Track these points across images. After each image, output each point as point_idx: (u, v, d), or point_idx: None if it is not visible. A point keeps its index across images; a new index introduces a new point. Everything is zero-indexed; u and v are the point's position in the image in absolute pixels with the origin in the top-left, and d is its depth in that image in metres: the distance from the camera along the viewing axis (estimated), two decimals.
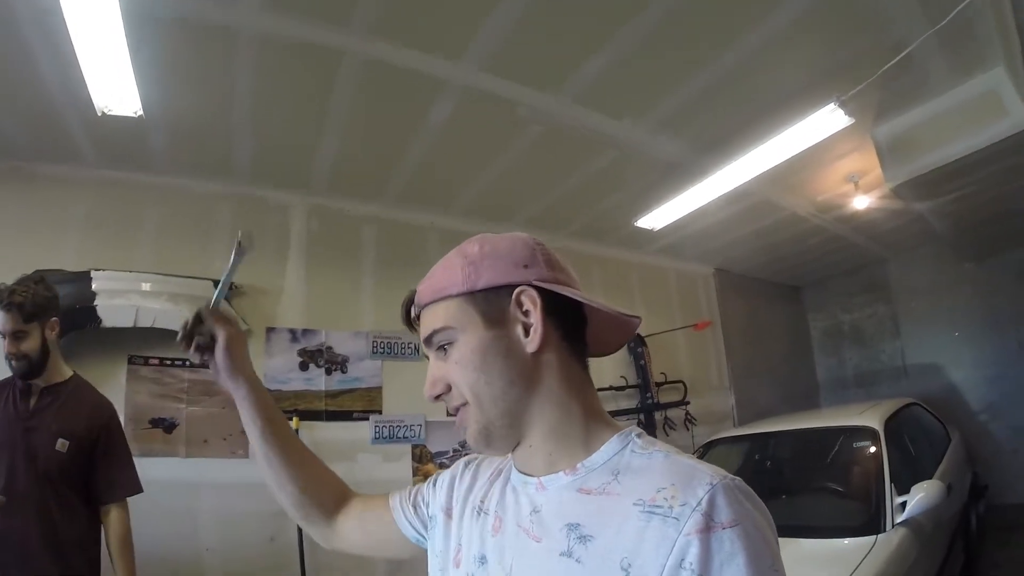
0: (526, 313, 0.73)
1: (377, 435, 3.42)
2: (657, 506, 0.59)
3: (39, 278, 2.01)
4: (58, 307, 2.04)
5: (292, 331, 3.30)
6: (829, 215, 4.63)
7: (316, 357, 3.32)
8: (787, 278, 6.79)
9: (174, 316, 2.87)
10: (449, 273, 0.76)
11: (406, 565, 3.28)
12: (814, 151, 3.27)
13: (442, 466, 3.49)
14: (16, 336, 1.90)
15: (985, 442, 5.31)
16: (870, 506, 2.62)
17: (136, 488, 2.10)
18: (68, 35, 2.08)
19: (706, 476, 0.60)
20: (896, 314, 6.31)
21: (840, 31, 2.43)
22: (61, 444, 1.92)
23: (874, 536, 2.42)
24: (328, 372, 3.34)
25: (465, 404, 0.74)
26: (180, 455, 2.93)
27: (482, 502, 0.84)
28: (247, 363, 1.00)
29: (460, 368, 0.73)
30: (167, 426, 2.93)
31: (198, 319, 0.98)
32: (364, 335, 3.50)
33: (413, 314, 0.81)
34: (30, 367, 1.93)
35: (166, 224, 3.11)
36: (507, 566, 0.72)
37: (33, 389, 1.97)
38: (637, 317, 0.79)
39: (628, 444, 0.70)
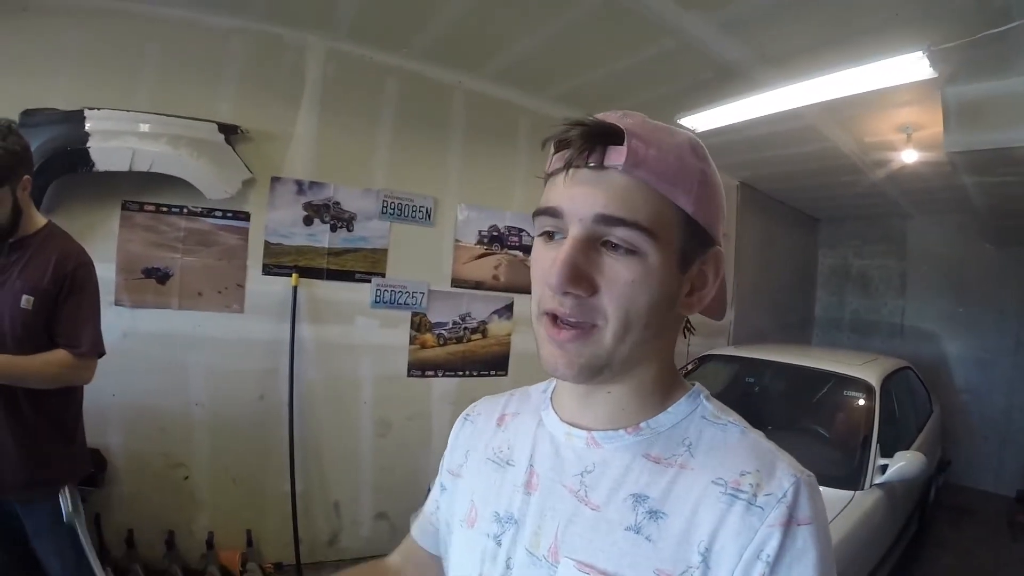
0: (702, 274, 0.66)
1: (378, 299, 3.42)
2: (741, 491, 0.58)
3: (7, 130, 1.73)
4: (30, 161, 1.82)
5: (299, 182, 3.18)
6: (870, 158, 4.49)
7: (322, 212, 3.23)
8: (808, 207, 6.74)
9: (174, 160, 2.74)
10: (684, 172, 0.62)
11: (394, 425, 3.52)
12: (879, 92, 3.09)
13: (439, 337, 3.59)
14: None
15: (959, 421, 5.57)
16: (854, 461, 2.73)
17: (96, 349, 1.88)
18: None
19: (790, 468, 0.59)
20: (906, 271, 6.38)
21: None
22: (26, 301, 1.76)
23: (852, 492, 2.53)
24: (333, 229, 3.27)
25: (595, 327, 0.60)
26: (173, 307, 2.92)
27: (499, 451, 0.77)
28: None
29: (632, 288, 0.59)
30: (160, 276, 2.89)
31: None
32: (374, 193, 3.39)
33: (593, 159, 0.60)
34: (10, 237, 1.77)
35: (170, 60, 2.88)
36: (551, 533, 0.65)
37: (2, 248, 1.80)
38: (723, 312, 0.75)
39: (698, 407, 0.67)
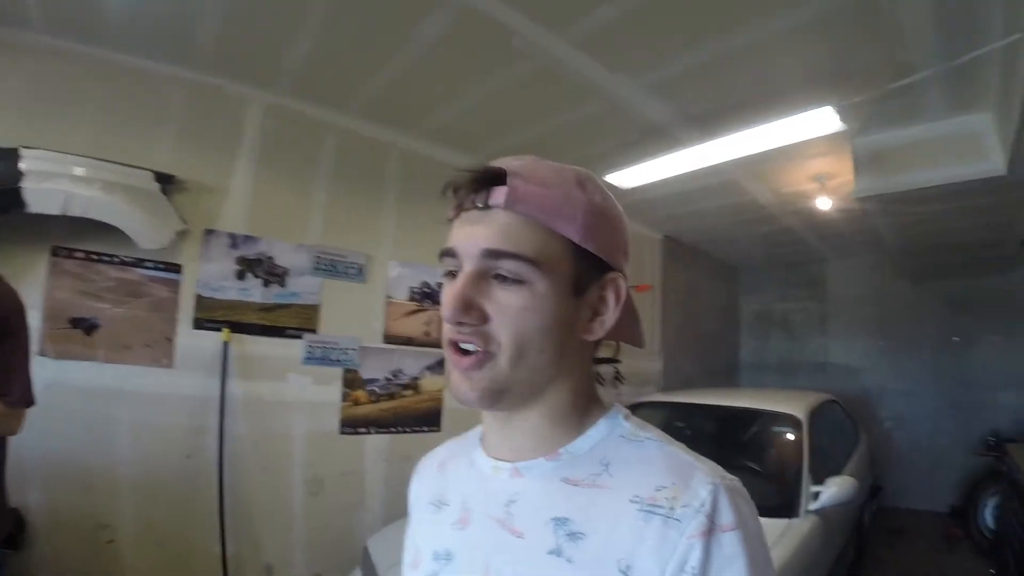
0: (602, 300, 0.69)
1: (309, 355, 3.39)
2: (657, 506, 0.59)
3: None
4: None
5: (232, 236, 3.17)
6: (787, 207, 4.83)
7: (255, 266, 3.22)
8: (730, 258, 7.13)
9: (107, 207, 2.68)
10: (567, 204, 0.66)
11: (327, 483, 3.46)
12: (794, 146, 3.37)
13: (372, 393, 3.59)
14: None
15: (886, 447, 5.91)
16: (787, 490, 2.86)
17: (25, 398, 1.80)
18: None
19: (707, 476, 0.60)
20: (827, 312, 6.81)
21: (855, 38, 2.48)
22: None
23: (787, 520, 2.65)
24: (266, 284, 3.25)
25: (490, 353, 0.64)
26: (100, 359, 2.81)
27: (437, 495, 0.79)
28: None
29: (521, 316, 0.63)
30: (87, 327, 2.78)
31: None
32: (307, 249, 3.41)
33: (479, 200, 0.66)
34: None
35: (110, 105, 2.86)
36: (482, 564, 0.67)
37: None
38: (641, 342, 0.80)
39: (616, 428, 0.69)
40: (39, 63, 2.71)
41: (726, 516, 0.57)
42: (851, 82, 2.73)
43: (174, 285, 2.99)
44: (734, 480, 0.62)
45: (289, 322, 3.34)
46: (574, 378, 0.69)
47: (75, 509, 2.75)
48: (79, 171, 2.67)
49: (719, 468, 0.63)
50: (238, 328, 3.16)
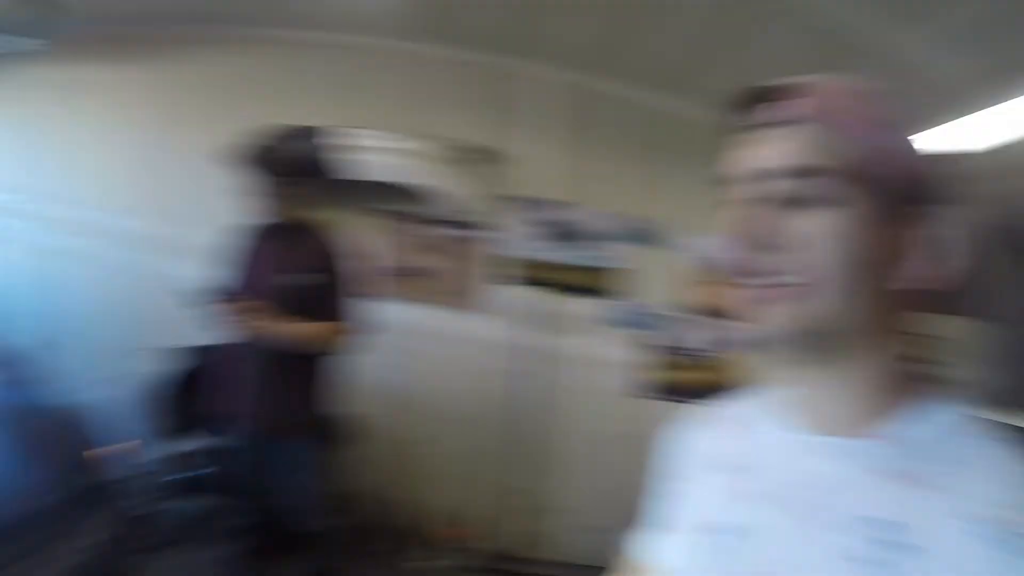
0: (910, 238, 0.57)
1: (617, 318, 3.60)
2: (1019, 532, 0.46)
3: (309, 134, 2.24)
4: (322, 166, 2.30)
5: (545, 202, 3.56)
6: None
7: (571, 232, 3.56)
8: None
9: (435, 176, 3.37)
10: (868, 121, 0.57)
11: (615, 440, 3.57)
12: None
13: (677, 358, 3.68)
14: (281, 199, 2.17)
15: None
16: None
17: (359, 326, 2.28)
18: None
19: None
20: None
21: None
22: (308, 279, 2.18)
23: None
24: (580, 248, 3.57)
25: (797, 286, 0.55)
26: (424, 303, 3.46)
27: (731, 459, 0.68)
28: None
29: (830, 244, 0.54)
30: (418, 275, 3.44)
31: None
32: (619, 217, 3.64)
33: (770, 116, 0.58)
34: (290, 224, 2.23)
35: (426, 89, 3.57)
36: (766, 550, 0.57)
37: (289, 234, 2.24)
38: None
39: (959, 418, 0.55)
40: (336, 56, 3.58)
41: None
42: None
43: (493, 245, 3.51)
44: None
45: (600, 284, 3.57)
46: (893, 338, 0.58)
47: (395, 425, 3.36)
48: (410, 147, 3.31)
49: None
50: (551, 287, 3.53)
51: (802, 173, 0.55)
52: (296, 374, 2.22)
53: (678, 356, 3.69)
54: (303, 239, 2.26)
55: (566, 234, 3.60)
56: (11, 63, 4.16)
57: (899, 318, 0.59)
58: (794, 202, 0.55)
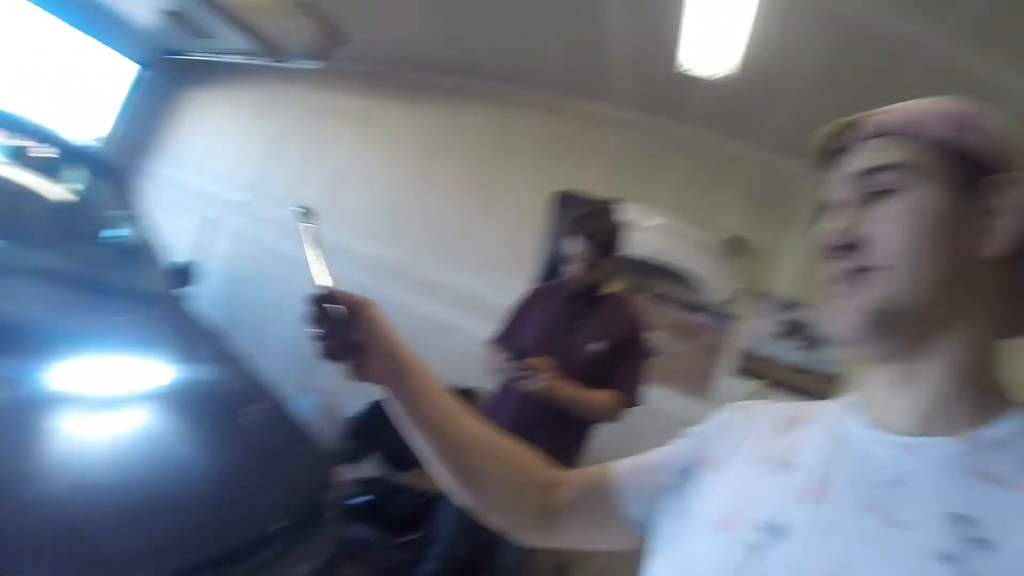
0: (997, 209, 0.57)
1: None
2: None
3: (608, 207, 2.30)
4: (624, 241, 2.32)
5: (782, 299, 3.62)
6: None
7: (795, 330, 3.60)
8: None
9: (687, 258, 3.46)
10: (931, 112, 0.60)
11: None
12: None
13: None
14: (589, 266, 2.20)
15: None
16: None
17: (639, 402, 2.32)
18: None
19: None
20: None
21: None
22: (597, 346, 2.22)
23: None
24: (800, 348, 3.60)
25: (873, 268, 0.57)
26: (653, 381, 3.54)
27: (777, 454, 0.65)
28: (398, 344, 0.75)
29: (901, 223, 0.57)
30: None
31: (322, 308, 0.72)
32: None
33: (843, 141, 0.65)
34: (591, 294, 2.29)
35: (690, 173, 3.72)
36: (838, 551, 0.53)
37: (587, 300, 2.30)
38: None
39: None
40: (626, 133, 3.78)
41: None
42: None
43: (723, 333, 3.61)
44: None
45: (810, 385, 3.59)
46: (981, 323, 0.57)
47: None
48: (667, 225, 3.44)
49: None
50: (770, 382, 3.58)
51: (866, 175, 0.60)
52: (562, 436, 2.22)
53: None
54: (605, 307, 2.31)
55: (800, 334, 3.61)
56: (286, 79, 4.56)
57: (989, 294, 0.58)
58: (874, 197, 0.59)
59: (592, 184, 3.67)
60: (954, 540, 0.48)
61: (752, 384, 3.55)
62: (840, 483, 0.57)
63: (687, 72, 3.08)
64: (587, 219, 2.24)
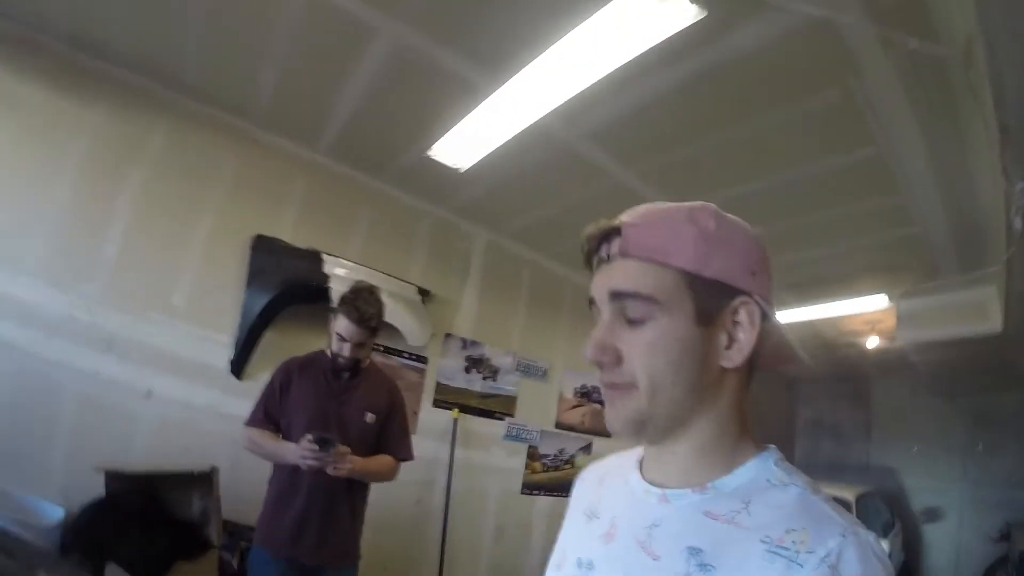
0: (736, 325, 0.69)
1: (508, 434, 4.70)
2: (784, 548, 0.59)
3: (375, 292, 2.35)
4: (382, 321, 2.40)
5: (463, 340, 4.49)
6: (844, 339, 6.18)
7: (477, 364, 4.54)
8: (790, 373, 8.37)
9: (391, 310, 3.21)
10: (676, 238, 0.68)
11: (507, 531, 4.58)
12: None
13: (544, 464, 4.85)
14: (358, 346, 2.30)
15: (920, 535, 7.02)
16: None
17: (410, 456, 2.51)
18: None
19: (838, 525, 0.60)
20: (870, 422, 7.92)
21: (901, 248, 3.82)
22: (370, 417, 2.36)
23: None
24: (484, 378, 4.57)
25: (631, 387, 0.69)
26: None
27: (592, 506, 0.82)
28: None
29: (649, 351, 0.67)
30: None
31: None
32: (512, 354, 4.75)
33: (603, 252, 0.73)
34: (354, 367, 2.38)
35: (376, 224, 4.02)
36: None
37: (352, 376, 2.39)
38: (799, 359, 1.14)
39: (765, 471, 0.68)
40: (323, 180, 3.80)
41: (851, 568, 0.56)
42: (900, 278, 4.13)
43: (422, 373, 4.23)
44: (869, 534, 0.61)
45: (496, 408, 4.63)
46: (719, 409, 0.71)
47: None
48: (365, 275, 3.32)
49: (858, 522, 0.62)
50: (463, 408, 4.41)
51: (617, 297, 0.70)
52: (352, 503, 2.38)
53: (551, 462, 4.93)
54: (368, 378, 2.46)
55: (480, 367, 4.57)
56: None
57: (729, 388, 0.71)
58: (626, 321, 0.70)
59: (285, 228, 3.56)
60: (690, 567, 0.62)
61: (452, 412, 4.29)
62: (623, 527, 0.72)
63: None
64: (356, 303, 2.28)
